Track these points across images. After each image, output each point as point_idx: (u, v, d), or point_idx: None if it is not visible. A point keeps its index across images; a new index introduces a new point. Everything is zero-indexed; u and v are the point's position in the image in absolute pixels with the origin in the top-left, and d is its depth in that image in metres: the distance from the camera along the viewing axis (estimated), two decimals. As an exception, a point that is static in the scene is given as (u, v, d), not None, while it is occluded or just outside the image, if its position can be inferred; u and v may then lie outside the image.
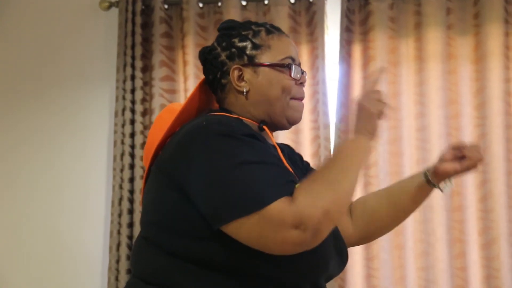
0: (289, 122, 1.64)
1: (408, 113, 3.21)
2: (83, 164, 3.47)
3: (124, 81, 3.33)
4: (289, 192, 1.35)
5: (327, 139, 3.21)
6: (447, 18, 3.20)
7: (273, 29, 1.66)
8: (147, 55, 3.39)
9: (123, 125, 3.31)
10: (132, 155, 3.31)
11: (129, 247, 3.26)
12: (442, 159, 1.74)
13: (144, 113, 3.34)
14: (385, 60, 3.22)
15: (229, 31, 1.66)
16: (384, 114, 1.54)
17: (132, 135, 3.32)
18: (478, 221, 3.13)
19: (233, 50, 1.62)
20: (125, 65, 3.33)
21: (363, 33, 3.27)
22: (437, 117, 3.17)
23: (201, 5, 3.38)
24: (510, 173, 3.12)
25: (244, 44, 1.62)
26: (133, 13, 3.36)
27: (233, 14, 3.31)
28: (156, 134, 1.62)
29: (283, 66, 1.61)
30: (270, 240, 1.33)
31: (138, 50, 3.34)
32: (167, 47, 3.37)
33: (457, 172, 1.73)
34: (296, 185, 1.38)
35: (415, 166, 3.17)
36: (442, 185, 1.78)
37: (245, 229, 1.34)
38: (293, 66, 1.62)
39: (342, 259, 1.61)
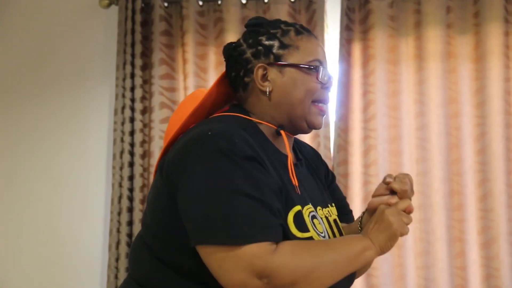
0: (309, 126, 1.59)
1: (408, 112, 3.20)
2: (83, 162, 3.47)
3: (124, 79, 3.33)
4: (271, 238, 1.31)
5: (327, 137, 3.21)
6: (447, 17, 3.20)
7: (303, 30, 1.60)
8: (146, 53, 3.38)
9: (122, 123, 3.31)
10: (131, 153, 3.30)
11: (129, 245, 3.25)
12: (373, 195, 1.62)
13: (144, 111, 3.34)
14: (385, 58, 3.21)
15: (257, 28, 1.60)
16: (405, 234, 1.48)
17: (132, 133, 3.32)
18: (477, 220, 3.12)
19: (260, 48, 1.56)
20: (124, 63, 3.33)
21: (363, 31, 3.26)
22: (436, 116, 3.16)
23: (200, 3, 3.38)
24: (510, 172, 3.11)
25: (272, 42, 1.56)
26: (133, 11, 3.36)
27: (233, 12, 3.30)
28: (174, 125, 1.57)
29: (310, 68, 1.55)
30: (230, 277, 1.30)
31: (138, 48, 3.34)
32: (166, 45, 3.37)
33: (382, 202, 1.59)
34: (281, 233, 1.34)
35: (415, 165, 3.17)
36: None
37: (209, 257, 1.32)
38: (321, 69, 1.56)
39: (350, 279, 1.55)
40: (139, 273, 1.51)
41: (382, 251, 1.45)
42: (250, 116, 1.57)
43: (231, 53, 1.61)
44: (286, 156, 1.55)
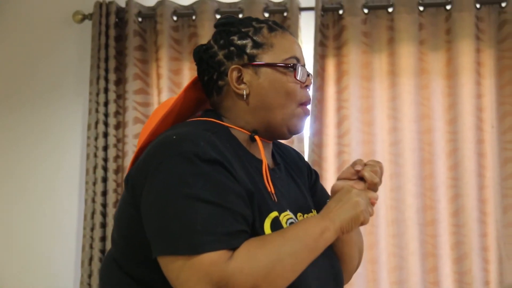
0: (290, 131, 1.49)
1: (381, 128, 3.22)
2: (56, 177, 3.45)
3: (98, 94, 3.32)
4: (230, 245, 1.24)
5: (301, 152, 3.21)
6: (419, 34, 3.23)
7: (276, 26, 1.50)
8: (120, 68, 3.37)
9: (96, 138, 3.29)
10: (105, 169, 3.29)
11: (101, 261, 3.23)
12: (338, 178, 1.52)
13: (118, 126, 3.33)
14: (359, 74, 3.23)
15: (228, 28, 1.50)
16: (366, 221, 1.38)
17: (105, 148, 3.30)
18: (450, 235, 3.14)
19: (232, 48, 1.46)
20: (98, 78, 3.32)
21: (336, 47, 3.28)
22: (409, 132, 3.18)
23: (175, 18, 3.38)
24: (481, 187, 3.14)
25: (244, 42, 1.46)
26: (107, 26, 3.35)
27: (207, 27, 3.31)
28: (144, 135, 1.49)
29: (288, 67, 1.45)
30: (186, 287, 1.23)
31: (112, 63, 3.33)
32: (140, 60, 3.36)
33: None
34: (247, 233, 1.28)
35: (388, 180, 3.18)
36: None
37: (166, 267, 1.26)
38: (299, 67, 1.47)
39: (338, 285, 1.52)
40: (107, 286, 1.46)
41: (342, 231, 1.35)
42: (223, 121, 1.48)
43: (201, 55, 1.51)
44: (261, 162, 1.46)
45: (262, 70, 1.45)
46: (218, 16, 3.35)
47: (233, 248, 1.24)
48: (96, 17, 3.36)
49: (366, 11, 3.27)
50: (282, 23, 3.30)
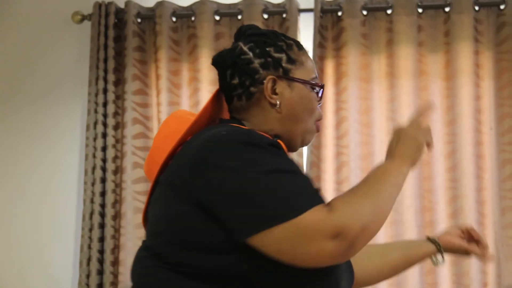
0: (302, 144, 1.59)
1: (380, 129, 3.23)
2: (54, 177, 3.44)
3: (96, 95, 3.32)
4: (322, 200, 1.30)
5: (300, 154, 3.22)
6: (418, 36, 3.23)
7: (301, 46, 1.61)
8: (119, 69, 3.38)
9: (94, 139, 3.29)
10: (103, 169, 3.29)
11: (100, 262, 3.23)
12: (448, 233, 1.74)
13: (116, 127, 3.33)
14: (358, 76, 3.24)
15: (262, 38, 1.56)
16: (431, 146, 1.53)
17: (104, 148, 3.30)
18: (448, 237, 3.14)
19: (269, 59, 1.53)
20: (97, 79, 3.32)
21: (335, 49, 3.29)
22: (408, 133, 3.18)
23: (174, 19, 3.38)
24: (480, 189, 3.14)
25: (280, 55, 1.54)
26: (106, 26, 3.35)
27: (206, 28, 3.31)
28: (164, 143, 1.53)
29: (317, 86, 1.57)
30: (305, 250, 1.26)
31: (111, 64, 3.33)
32: (140, 60, 3.36)
33: (461, 249, 1.76)
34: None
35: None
36: (437, 258, 1.81)
37: (277, 240, 1.26)
38: (321, 87, 1.59)
39: (351, 280, 1.57)
40: (145, 284, 1.45)
41: (413, 162, 1.48)
42: (244, 125, 1.54)
43: (235, 60, 1.55)
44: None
45: (295, 84, 1.54)
46: (217, 17, 3.35)
47: (324, 203, 1.30)
48: (95, 17, 3.36)
49: (365, 12, 3.28)
50: (281, 24, 3.31)
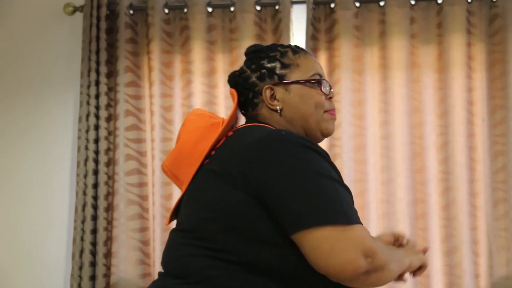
0: (323, 134, 1.70)
1: (373, 121, 3.23)
2: (46, 170, 3.44)
3: (89, 87, 3.31)
4: (360, 221, 1.42)
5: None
6: (410, 27, 3.23)
7: (298, 49, 1.73)
8: (112, 61, 3.36)
9: (87, 131, 3.28)
10: (96, 161, 3.28)
11: (92, 254, 3.23)
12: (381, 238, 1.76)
13: (109, 119, 3.32)
14: (350, 68, 3.24)
15: (257, 54, 1.73)
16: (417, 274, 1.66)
17: (96, 140, 3.29)
18: (441, 228, 3.16)
19: (263, 71, 1.69)
20: (89, 71, 3.31)
21: (328, 41, 3.29)
22: (401, 125, 3.19)
23: (166, 11, 3.37)
24: (472, 181, 3.15)
25: (273, 64, 1.69)
26: (98, 18, 3.33)
27: (199, 20, 3.30)
28: (193, 136, 1.65)
29: (313, 82, 1.68)
30: (340, 257, 1.34)
31: (103, 56, 3.32)
32: (132, 52, 3.35)
33: None
34: None
35: (379, 174, 3.19)
36: None
37: (320, 239, 1.36)
38: (323, 81, 1.69)
39: None
40: (187, 270, 1.48)
41: (409, 268, 1.59)
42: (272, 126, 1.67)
43: (236, 80, 1.74)
44: None
45: (292, 87, 1.68)
46: (209, 9, 3.34)
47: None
48: (87, 9, 3.34)
49: (357, 4, 3.27)
50: (273, 16, 3.30)
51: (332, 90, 1.73)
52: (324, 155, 1.48)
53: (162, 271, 1.61)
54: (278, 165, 1.42)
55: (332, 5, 3.27)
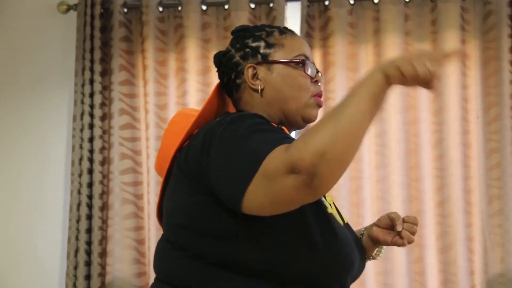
0: (305, 120, 1.62)
1: (367, 119, 3.22)
2: (41, 169, 3.43)
3: (83, 85, 3.30)
4: (283, 142, 1.29)
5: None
6: (405, 25, 3.23)
7: (286, 30, 1.66)
8: (106, 59, 3.36)
9: (81, 130, 3.28)
10: (90, 160, 3.27)
11: (87, 253, 3.22)
12: (377, 224, 1.69)
13: (103, 118, 3.32)
14: (345, 65, 3.24)
15: (243, 33, 1.67)
16: (433, 79, 1.28)
17: (91, 139, 3.29)
18: (436, 225, 3.16)
19: (247, 50, 1.62)
20: (83, 69, 3.30)
21: (323, 38, 3.28)
22: (395, 123, 3.19)
23: (161, 9, 3.36)
24: (467, 178, 3.16)
25: (258, 43, 1.62)
26: (92, 16, 3.33)
27: (193, 18, 3.30)
28: (172, 138, 1.60)
29: (297, 63, 1.60)
30: (273, 193, 1.25)
31: (97, 54, 3.31)
32: (126, 51, 3.35)
33: (386, 244, 1.68)
34: None
35: (374, 171, 3.20)
36: (374, 253, 1.74)
37: (256, 197, 1.28)
38: (307, 63, 1.61)
39: (363, 259, 1.62)
40: (170, 275, 1.49)
41: (394, 73, 1.29)
42: None
43: (220, 59, 1.68)
44: None
45: (275, 66, 1.60)
46: (204, 7, 3.34)
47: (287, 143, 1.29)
48: (81, 7, 3.34)
49: (352, 2, 3.27)
50: (268, 14, 3.30)
51: (319, 73, 1.65)
52: (261, 119, 1.42)
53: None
54: (214, 147, 1.38)
55: (326, 3, 3.27)
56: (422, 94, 3.21)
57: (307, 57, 1.63)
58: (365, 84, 1.31)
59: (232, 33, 1.70)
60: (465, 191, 3.15)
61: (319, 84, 1.65)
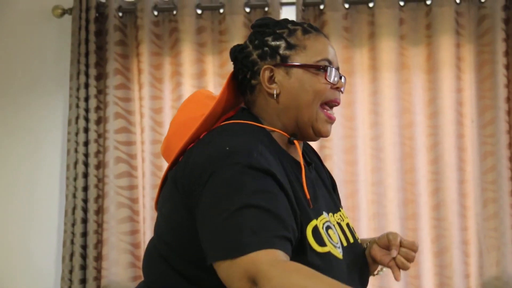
0: (316, 134, 1.52)
1: (363, 122, 3.23)
2: (36, 173, 3.42)
3: (78, 89, 3.30)
4: (272, 245, 1.25)
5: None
6: (400, 29, 3.24)
7: (310, 29, 1.54)
8: (101, 63, 3.35)
9: (76, 133, 3.28)
10: (86, 164, 3.27)
11: (83, 257, 3.22)
12: (377, 242, 1.63)
13: (98, 121, 3.31)
14: (340, 69, 3.23)
15: (263, 29, 1.55)
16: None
17: (86, 143, 3.28)
18: (431, 229, 3.16)
19: (266, 49, 1.51)
20: (78, 73, 3.30)
21: (318, 42, 3.28)
22: (391, 126, 3.20)
23: (155, 13, 3.36)
24: (462, 182, 3.16)
25: (278, 43, 1.51)
26: (87, 20, 3.32)
27: (188, 22, 3.30)
28: (180, 130, 1.53)
29: (319, 68, 1.49)
30: (231, 286, 1.27)
31: (92, 58, 3.31)
32: (121, 55, 3.35)
33: (382, 264, 1.62)
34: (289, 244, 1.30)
35: (370, 175, 3.20)
36: (377, 270, 1.70)
37: (220, 269, 1.28)
38: (329, 69, 1.50)
39: (365, 281, 1.59)
40: (154, 281, 1.48)
41: None
42: (261, 123, 1.52)
43: (237, 55, 1.56)
44: (300, 168, 1.50)
45: (294, 70, 1.49)
46: (199, 11, 3.34)
47: (283, 250, 1.26)
48: (76, 11, 3.33)
49: (347, 6, 3.28)
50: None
51: (342, 79, 1.55)
52: (260, 173, 1.34)
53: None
54: (207, 191, 1.33)
55: (322, 7, 3.28)
56: (417, 97, 3.21)
57: (330, 62, 1.52)
58: None
59: (252, 27, 1.59)
60: (460, 194, 3.16)
61: (342, 89, 1.56)
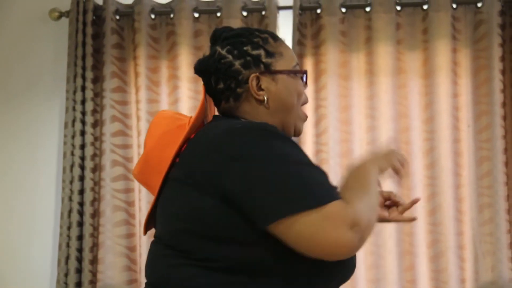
0: (296, 133, 1.64)
1: (359, 126, 3.24)
2: (32, 175, 3.42)
3: (75, 92, 3.30)
4: (338, 195, 1.37)
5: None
6: (396, 33, 3.25)
7: (275, 36, 1.65)
8: (98, 66, 3.36)
9: (73, 137, 3.28)
10: (82, 167, 3.27)
11: (78, 260, 3.22)
12: None
13: (95, 125, 3.31)
14: (337, 73, 3.24)
15: (237, 39, 1.60)
16: (398, 171, 1.65)
17: (83, 146, 3.28)
18: (427, 234, 3.17)
19: (248, 58, 1.58)
20: (75, 76, 3.30)
21: (315, 46, 3.29)
22: (387, 131, 3.20)
23: (153, 16, 3.37)
24: (458, 186, 3.17)
25: (258, 52, 1.58)
26: (84, 23, 3.33)
27: (185, 25, 3.30)
28: (159, 143, 1.59)
29: (301, 73, 1.63)
30: (325, 237, 1.30)
31: (89, 61, 3.31)
32: (118, 58, 3.35)
33: (383, 220, 1.79)
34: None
35: (366, 179, 3.20)
36: None
37: (299, 227, 1.31)
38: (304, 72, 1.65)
39: (355, 266, 1.64)
40: (170, 281, 1.46)
41: (380, 170, 1.57)
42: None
43: (217, 66, 1.59)
44: None
45: (279, 76, 1.59)
46: (196, 15, 3.34)
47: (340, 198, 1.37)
48: (73, 14, 3.33)
49: (344, 10, 3.28)
50: (260, 22, 3.31)
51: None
52: (286, 139, 1.43)
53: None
54: (242, 161, 1.37)
55: (318, 11, 3.28)
56: (413, 102, 3.22)
57: (298, 65, 1.66)
58: (371, 172, 1.51)
59: (224, 38, 1.63)
60: (456, 199, 3.16)
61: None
